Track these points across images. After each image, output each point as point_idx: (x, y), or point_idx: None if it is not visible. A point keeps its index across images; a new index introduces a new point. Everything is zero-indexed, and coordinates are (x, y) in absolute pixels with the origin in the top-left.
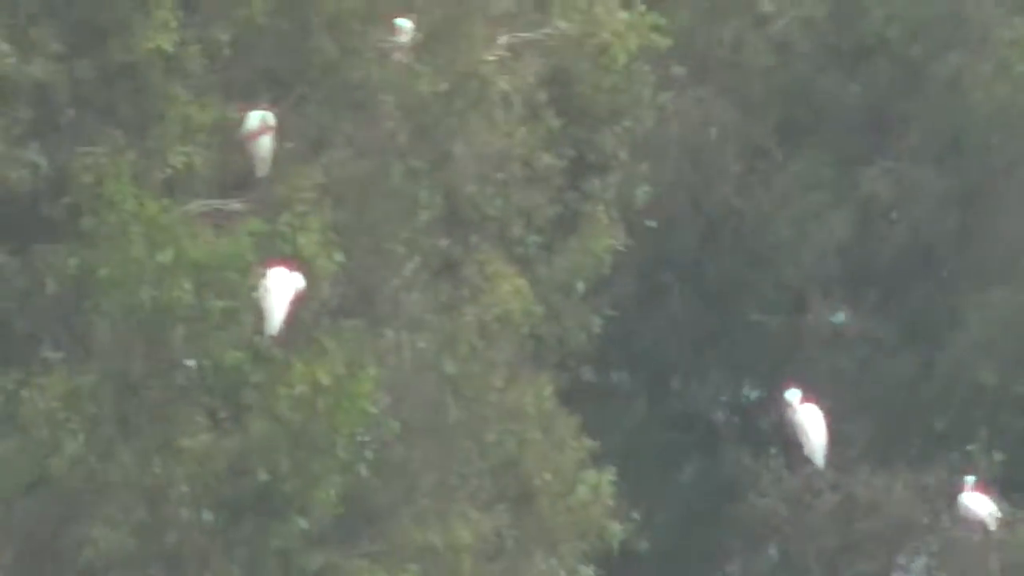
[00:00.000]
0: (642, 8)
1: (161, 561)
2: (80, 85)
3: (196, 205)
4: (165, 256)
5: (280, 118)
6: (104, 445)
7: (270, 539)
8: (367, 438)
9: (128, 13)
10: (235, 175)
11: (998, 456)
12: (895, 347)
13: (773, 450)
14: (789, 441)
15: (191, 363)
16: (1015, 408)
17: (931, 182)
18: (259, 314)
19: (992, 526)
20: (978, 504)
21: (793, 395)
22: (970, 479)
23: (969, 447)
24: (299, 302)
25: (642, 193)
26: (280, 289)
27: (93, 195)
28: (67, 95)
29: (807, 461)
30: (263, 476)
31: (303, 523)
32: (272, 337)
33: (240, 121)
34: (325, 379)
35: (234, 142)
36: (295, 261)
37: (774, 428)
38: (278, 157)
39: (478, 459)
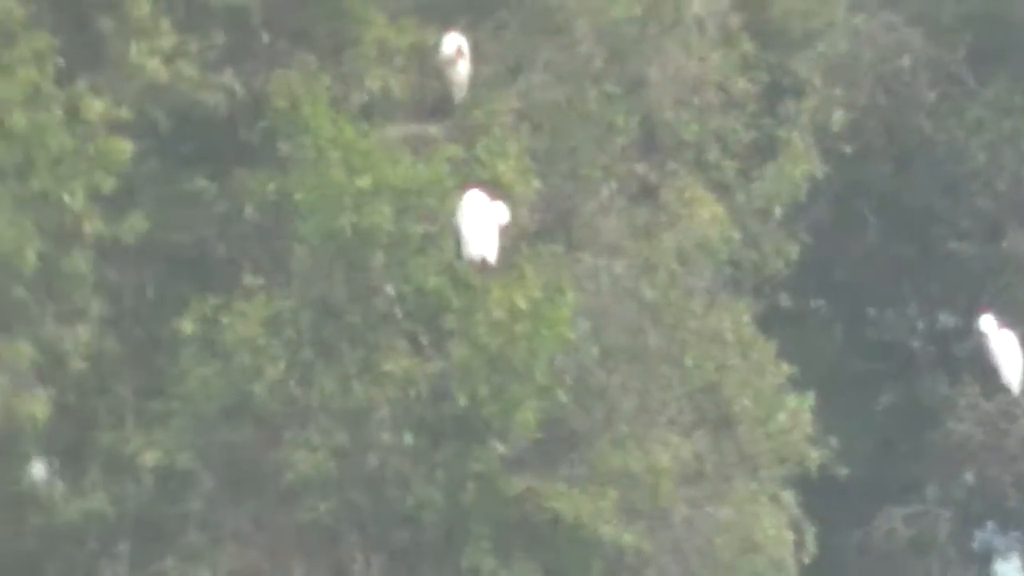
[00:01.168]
0: None
1: (362, 484)
2: (274, 8)
3: (394, 130)
4: (363, 181)
5: (477, 43)
6: (304, 370)
7: (470, 463)
8: (566, 363)
9: None
10: (432, 100)
11: None
12: None
13: (969, 378)
14: (985, 368)
15: (391, 289)
16: None
17: None
18: (458, 239)
19: None
20: None
21: (989, 322)
22: None
23: None
24: (501, 230)
25: (837, 119)
26: (478, 213)
27: (290, 120)
28: (261, 19)
29: (1003, 388)
30: (463, 400)
31: (502, 447)
32: (472, 261)
33: (437, 45)
34: (523, 304)
35: (431, 66)
36: (493, 186)
37: (970, 356)
38: (475, 82)
39: (677, 384)
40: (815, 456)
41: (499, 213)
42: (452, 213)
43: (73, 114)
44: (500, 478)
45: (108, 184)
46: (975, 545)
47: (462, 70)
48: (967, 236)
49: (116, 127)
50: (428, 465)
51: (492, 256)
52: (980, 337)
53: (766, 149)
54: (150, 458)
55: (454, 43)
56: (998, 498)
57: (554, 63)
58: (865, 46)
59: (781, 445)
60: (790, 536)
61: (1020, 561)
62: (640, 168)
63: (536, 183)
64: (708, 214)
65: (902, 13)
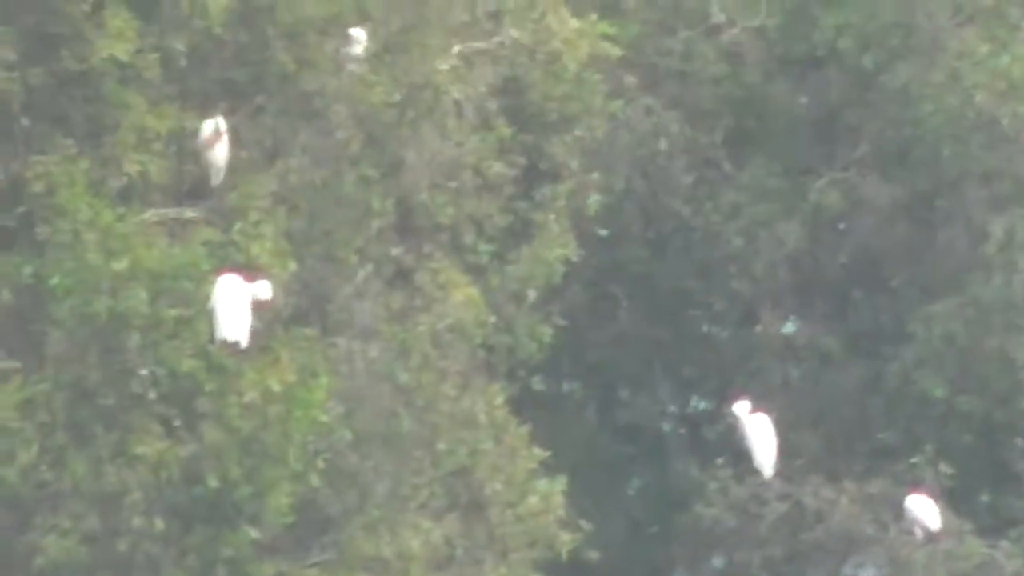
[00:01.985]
0: (593, 17)
1: (112, 569)
2: (33, 93)
3: (151, 214)
4: (120, 264)
5: (235, 127)
6: (57, 453)
7: (221, 548)
8: (319, 447)
9: (82, 21)
10: (190, 184)
11: (944, 469)
12: (844, 359)
13: (720, 461)
14: (737, 452)
15: (145, 371)
16: (961, 422)
17: (880, 193)
18: (212, 322)
19: (935, 528)
20: (922, 507)
21: (742, 407)
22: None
23: (915, 460)
24: (258, 309)
25: (593, 202)
26: (231, 297)
27: (47, 204)
28: (21, 103)
29: (755, 472)
30: (214, 483)
31: (254, 532)
32: (224, 344)
33: (196, 130)
34: (277, 387)
35: (189, 150)
36: (249, 269)
37: (722, 439)
38: (233, 166)
39: (429, 468)
40: (566, 540)
41: (262, 289)
42: (207, 296)
43: None
44: (251, 563)
45: None
46: None
47: (220, 153)
48: (721, 320)
49: None
50: (179, 550)
51: (244, 340)
52: (732, 421)
53: (521, 232)
54: None
55: (212, 127)
56: None
57: (311, 147)
58: (622, 130)
59: (532, 529)
60: None
61: None
62: (396, 251)
63: (292, 266)
64: (463, 297)
65: (660, 97)
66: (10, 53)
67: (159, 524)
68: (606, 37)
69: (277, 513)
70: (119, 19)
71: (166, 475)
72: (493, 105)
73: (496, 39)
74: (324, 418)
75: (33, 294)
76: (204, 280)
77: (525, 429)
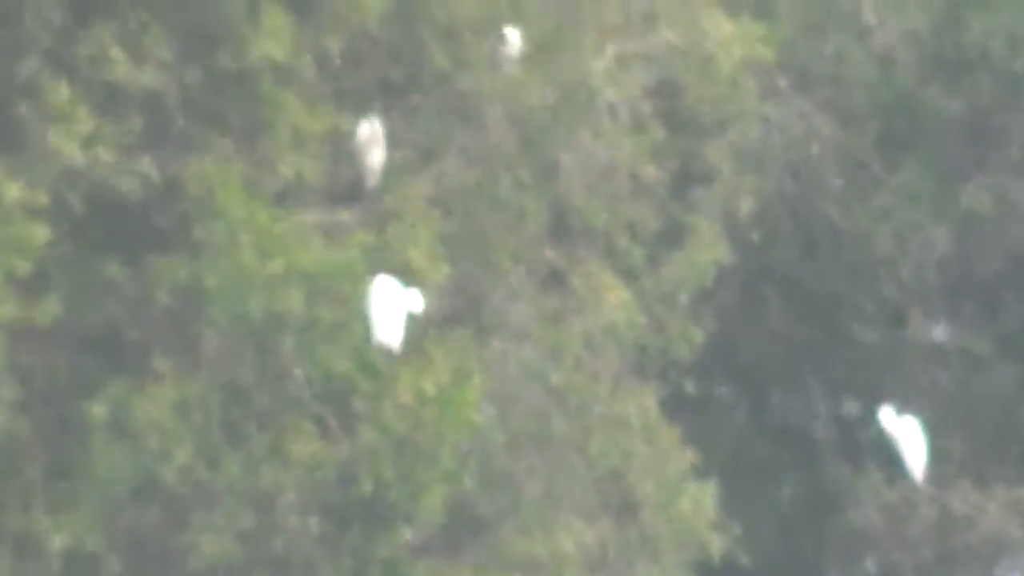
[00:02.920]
0: (747, 19)
1: (267, 568)
2: (190, 93)
3: (306, 215)
4: (275, 266)
5: (391, 128)
6: (212, 453)
7: (376, 548)
8: (472, 448)
9: (238, 20)
10: (345, 186)
11: None
12: (994, 362)
13: (871, 464)
14: (888, 456)
15: (299, 372)
16: None
17: None
18: (368, 324)
19: None
20: None
21: (889, 414)
22: None
23: None
24: (413, 317)
25: (745, 205)
26: (387, 300)
27: (203, 205)
28: (177, 103)
29: (905, 476)
30: (369, 485)
31: (408, 532)
32: (381, 347)
33: (351, 131)
34: (430, 389)
35: (345, 152)
36: (404, 272)
37: (873, 443)
38: (388, 168)
39: (582, 470)
40: (717, 543)
41: (413, 301)
42: (362, 298)
43: None
44: (405, 563)
45: (23, 268)
46: None
47: (376, 155)
48: (871, 322)
49: (32, 211)
50: (334, 550)
51: (396, 343)
52: (883, 424)
53: (674, 235)
54: (58, 541)
55: (368, 128)
56: None
57: (466, 148)
58: (775, 133)
59: (683, 531)
60: None
61: None
62: (550, 254)
63: (446, 269)
64: (615, 299)
65: (813, 101)
66: (166, 52)
67: (314, 524)
68: (760, 39)
69: (431, 514)
70: (275, 18)
71: (321, 475)
72: (647, 107)
73: (650, 40)
74: (477, 419)
75: (189, 296)
76: (360, 282)
77: (676, 431)
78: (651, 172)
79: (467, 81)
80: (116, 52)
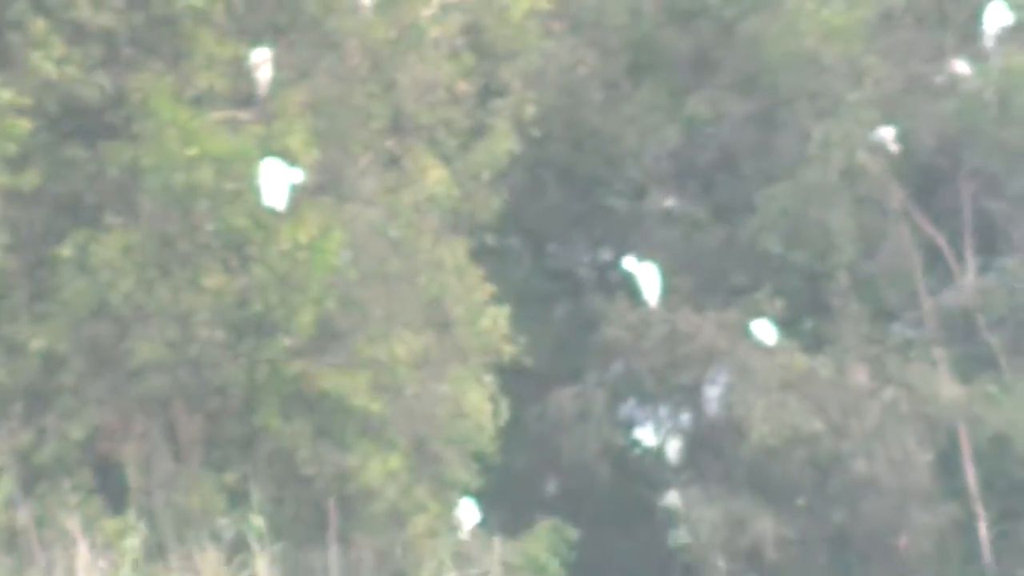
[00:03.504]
0: None
1: (186, 367)
2: (135, 30)
3: (216, 115)
4: (192, 151)
5: (277, 55)
6: (147, 283)
7: (263, 352)
8: (334, 281)
9: None
10: (243, 95)
11: (779, 303)
12: (709, 225)
13: (620, 296)
14: (632, 290)
15: (210, 226)
16: (791, 269)
17: (737, 106)
18: (259, 192)
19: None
20: (763, 330)
21: (632, 259)
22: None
23: (758, 296)
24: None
25: (529, 112)
26: (273, 175)
27: (142, 108)
28: (125, 37)
29: (644, 304)
30: (259, 307)
31: (287, 341)
32: (269, 208)
33: (248, 56)
34: (304, 239)
35: (243, 71)
36: (285, 155)
37: (621, 281)
38: (274, 82)
39: (412, 298)
40: (508, 350)
41: (292, 175)
42: (255, 174)
43: None
44: (284, 364)
45: (11, 150)
46: (620, 416)
47: (265, 73)
48: (621, 196)
49: (19, 110)
50: (234, 354)
51: (280, 206)
52: (626, 269)
53: (479, 131)
54: (36, 344)
55: (261, 55)
56: (638, 383)
57: (331, 69)
58: (552, 61)
59: (485, 342)
60: (489, 407)
61: (651, 426)
62: (389, 144)
63: (316, 153)
64: (436, 177)
65: (580, 39)
66: (119, 2)
67: (219, 335)
68: None
69: (303, 328)
70: None
71: (224, 300)
72: (460, 42)
73: None
74: (337, 262)
75: (130, 171)
76: (253, 162)
77: (480, 271)
78: (463, 86)
79: (333, 22)
80: (82, 0)
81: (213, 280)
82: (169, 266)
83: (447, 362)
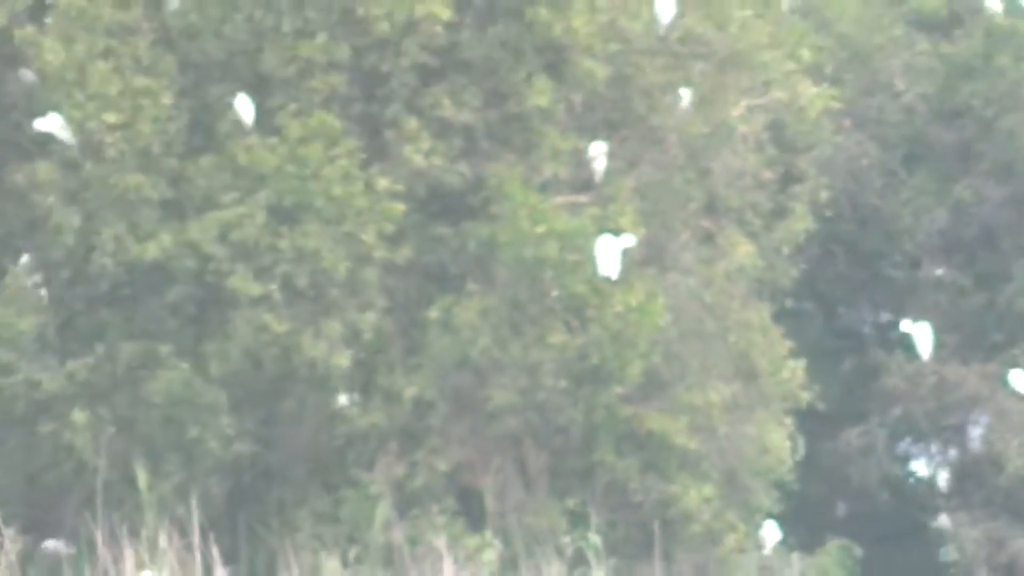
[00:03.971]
0: (826, 86)
1: (534, 409)
2: (491, 126)
3: (559, 199)
4: (540, 229)
5: (611, 147)
6: (502, 341)
7: (600, 397)
8: (658, 339)
9: (520, 84)
10: (582, 181)
11: None
12: (973, 291)
13: (897, 352)
14: (908, 346)
15: (555, 293)
16: None
17: (996, 191)
18: (596, 263)
19: None
20: (1018, 380)
21: (908, 321)
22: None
23: (1015, 351)
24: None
25: (823, 196)
26: (607, 249)
27: (498, 192)
28: (482, 132)
29: (919, 358)
30: (595, 360)
31: (619, 389)
32: (604, 276)
33: (587, 150)
34: (634, 303)
35: (582, 161)
36: (617, 232)
37: (899, 338)
38: (608, 171)
39: (724, 352)
40: (805, 396)
41: (625, 244)
42: (592, 248)
43: (370, 187)
44: (617, 408)
45: (388, 228)
46: (898, 451)
47: (600, 163)
48: (899, 266)
49: (394, 195)
50: (574, 399)
51: (613, 274)
52: (903, 329)
53: (780, 213)
54: (409, 392)
55: (597, 148)
56: (914, 423)
57: (656, 160)
58: (841, 152)
59: (785, 390)
60: (788, 444)
61: (924, 460)
62: (704, 223)
63: (642, 231)
64: (744, 251)
65: (864, 133)
66: (476, 102)
67: (562, 384)
68: (832, 97)
69: (633, 378)
70: (541, 82)
71: (566, 355)
72: (765, 136)
73: (766, 97)
74: (661, 323)
75: (488, 247)
76: (590, 238)
77: (780, 330)
78: (766, 174)
79: (656, 120)
80: (446, 101)
81: (557, 338)
82: (520, 326)
83: (753, 407)
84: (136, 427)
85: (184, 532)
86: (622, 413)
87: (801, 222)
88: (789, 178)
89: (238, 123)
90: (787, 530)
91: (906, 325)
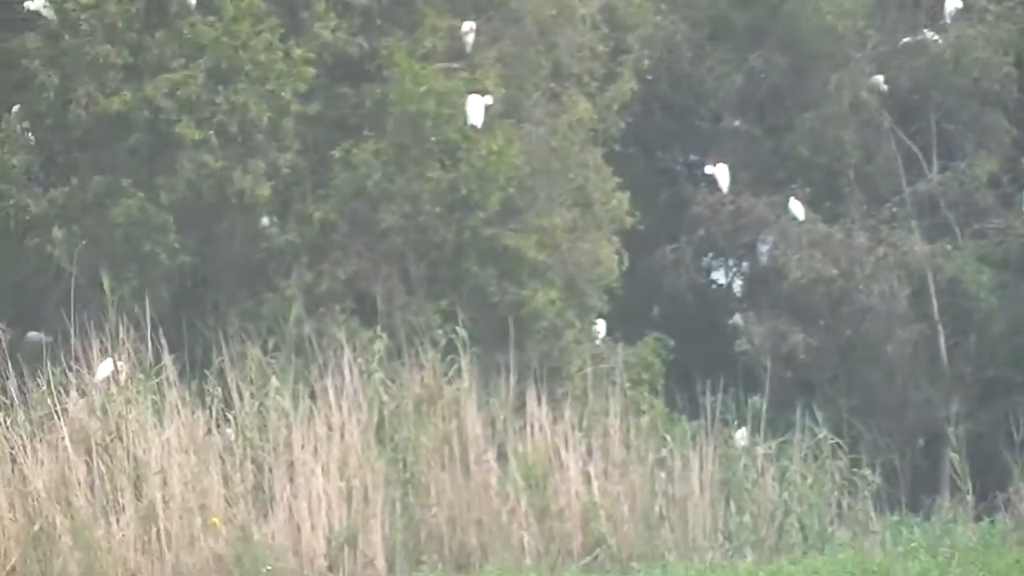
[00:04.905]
0: None
1: (416, 230)
2: (384, 7)
3: (437, 66)
4: (422, 89)
5: (478, 26)
6: (390, 176)
7: (467, 221)
8: (513, 175)
9: None
10: (456, 52)
11: (807, 190)
12: (763, 139)
13: (703, 185)
14: (711, 181)
15: (433, 139)
16: (817, 168)
17: (781, 61)
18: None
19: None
20: (797, 208)
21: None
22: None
23: (794, 186)
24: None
25: (645, 64)
26: (476, 105)
27: (388, 61)
28: (377, 12)
29: (720, 191)
30: (464, 192)
31: (482, 214)
32: (472, 126)
33: (460, 28)
34: (495, 147)
35: (456, 37)
36: (481, 92)
37: (704, 176)
38: (475, 45)
39: (565, 185)
40: (629, 221)
41: (489, 100)
42: (463, 104)
43: (288, 56)
44: (481, 229)
45: (302, 88)
46: (703, 265)
47: (469, 39)
48: (705, 119)
49: (306, 62)
50: (446, 222)
51: (479, 125)
52: (708, 169)
53: (611, 78)
54: (317, 215)
55: (468, 27)
56: (714, 242)
57: (514, 36)
58: (659, 30)
59: (613, 216)
60: (615, 258)
61: (723, 271)
62: (552, 85)
63: (502, 91)
64: (583, 107)
65: (679, 15)
66: None
67: (438, 210)
68: None
69: (493, 206)
70: None
71: (441, 187)
72: (599, 17)
73: None
74: (516, 163)
75: (380, 103)
76: (462, 97)
77: (610, 169)
78: (600, 48)
79: (515, 4)
80: None
81: (434, 174)
82: (405, 165)
83: (588, 229)
84: (102, 243)
85: (139, 327)
86: (484, 233)
87: (627, 84)
88: (618, 50)
89: (185, 4)
90: (613, 326)
91: (709, 166)
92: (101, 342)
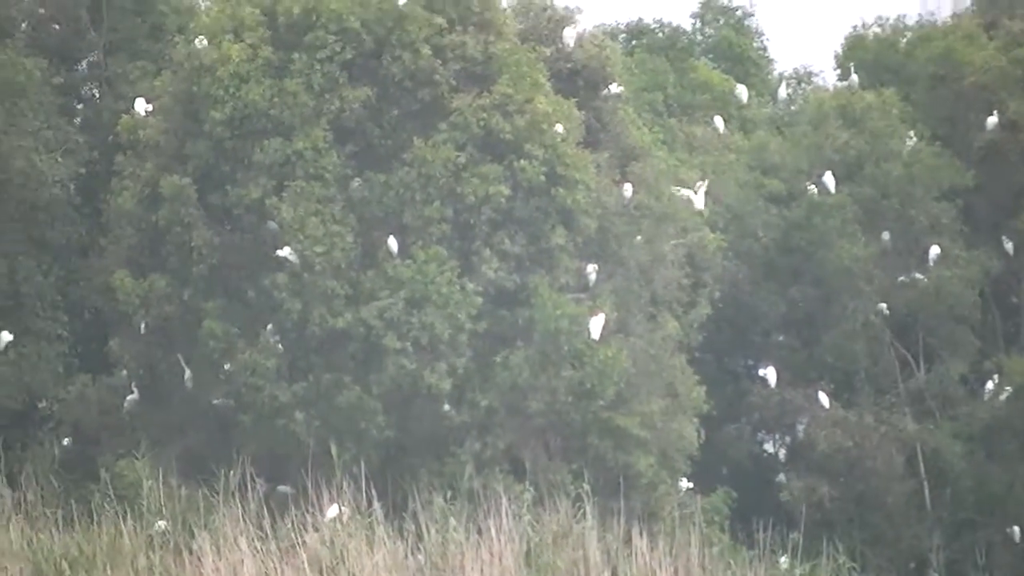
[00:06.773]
0: None
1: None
2: (531, 256)
3: (569, 296)
4: (558, 312)
5: (598, 269)
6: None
7: (592, 406)
8: (623, 374)
9: None
10: (583, 285)
11: None
12: None
13: None
14: None
15: (566, 348)
16: None
17: None
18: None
19: None
20: None
21: None
22: None
23: None
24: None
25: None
26: (595, 323)
27: (535, 292)
28: (525, 259)
29: None
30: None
31: (602, 401)
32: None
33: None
34: (609, 354)
35: (582, 276)
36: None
37: None
38: (596, 280)
39: (659, 383)
40: (704, 407)
41: (603, 320)
42: (587, 323)
43: None
44: (600, 412)
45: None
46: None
47: (592, 276)
48: None
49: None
50: (576, 407)
51: (597, 337)
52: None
53: (691, 304)
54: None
55: (591, 267)
56: None
57: (622, 275)
58: None
59: (692, 404)
60: (695, 435)
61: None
62: (650, 309)
63: (614, 314)
64: (672, 325)
65: None
66: None
67: None
68: None
69: (608, 395)
70: None
71: None
72: None
73: None
74: (625, 365)
75: (529, 323)
76: (585, 318)
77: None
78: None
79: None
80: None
81: (567, 373)
82: (545, 366)
83: (676, 413)
84: (331, 422)
85: (356, 482)
86: (603, 416)
87: (704, 309)
88: (697, 285)
89: (388, 251)
90: (694, 482)
91: (762, 369)
92: (329, 493)
